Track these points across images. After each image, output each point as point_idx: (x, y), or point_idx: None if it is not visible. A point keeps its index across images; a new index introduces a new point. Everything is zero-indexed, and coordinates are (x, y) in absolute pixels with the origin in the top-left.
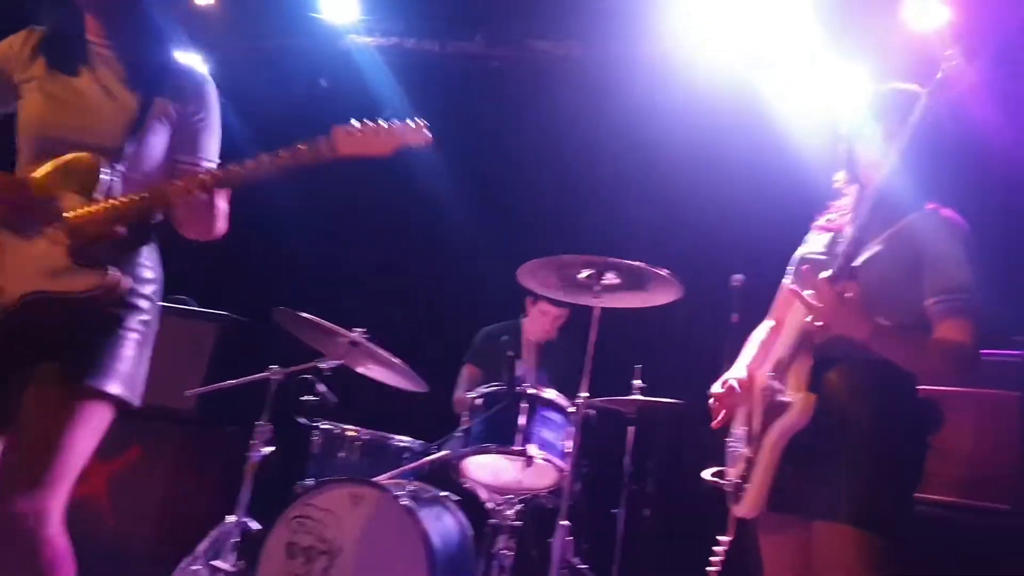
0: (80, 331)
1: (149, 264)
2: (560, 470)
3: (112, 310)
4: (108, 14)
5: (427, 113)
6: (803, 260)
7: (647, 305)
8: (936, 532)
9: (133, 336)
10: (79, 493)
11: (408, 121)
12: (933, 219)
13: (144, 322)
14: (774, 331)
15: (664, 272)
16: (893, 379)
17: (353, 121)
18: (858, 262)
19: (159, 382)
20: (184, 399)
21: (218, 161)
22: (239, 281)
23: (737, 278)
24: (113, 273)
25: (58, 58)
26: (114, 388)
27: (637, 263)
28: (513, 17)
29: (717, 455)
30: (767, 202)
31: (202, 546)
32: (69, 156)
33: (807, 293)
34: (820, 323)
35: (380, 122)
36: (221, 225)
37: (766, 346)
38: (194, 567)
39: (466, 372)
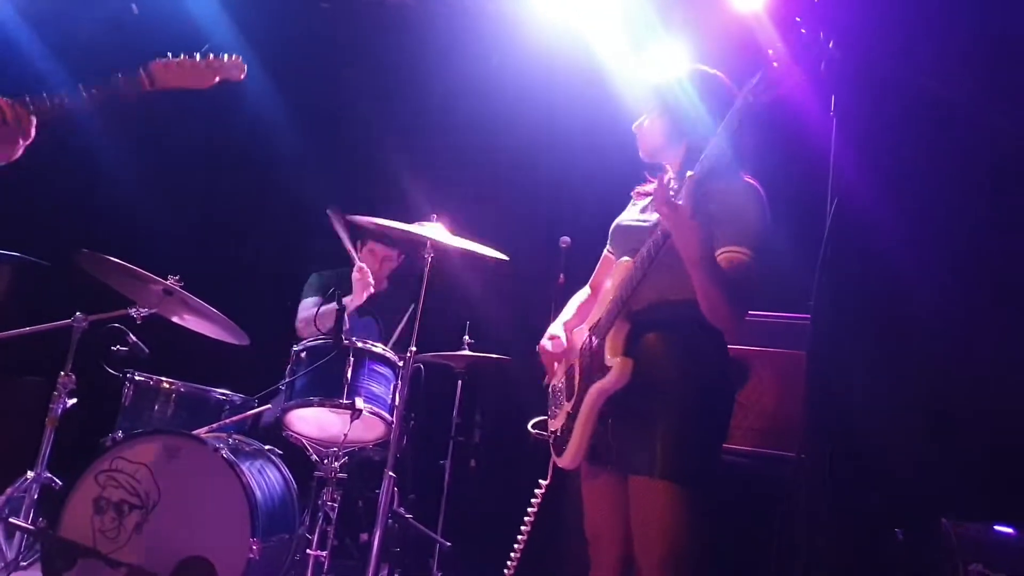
0: None
1: None
2: (387, 423)
3: None
4: None
5: (253, 48)
6: (618, 227)
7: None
8: (737, 478)
9: None
10: None
11: (226, 55)
12: (734, 184)
13: None
14: (591, 297)
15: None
16: (704, 343)
17: (170, 54)
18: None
19: None
20: None
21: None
22: (38, 220)
23: (564, 240)
24: None
25: None
26: None
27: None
28: None
29: (540, 409)
30: (598, 166)
31: None
32: None
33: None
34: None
35: (198, 55)
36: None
37: (582, 309)
38: None
39: (307, 302)
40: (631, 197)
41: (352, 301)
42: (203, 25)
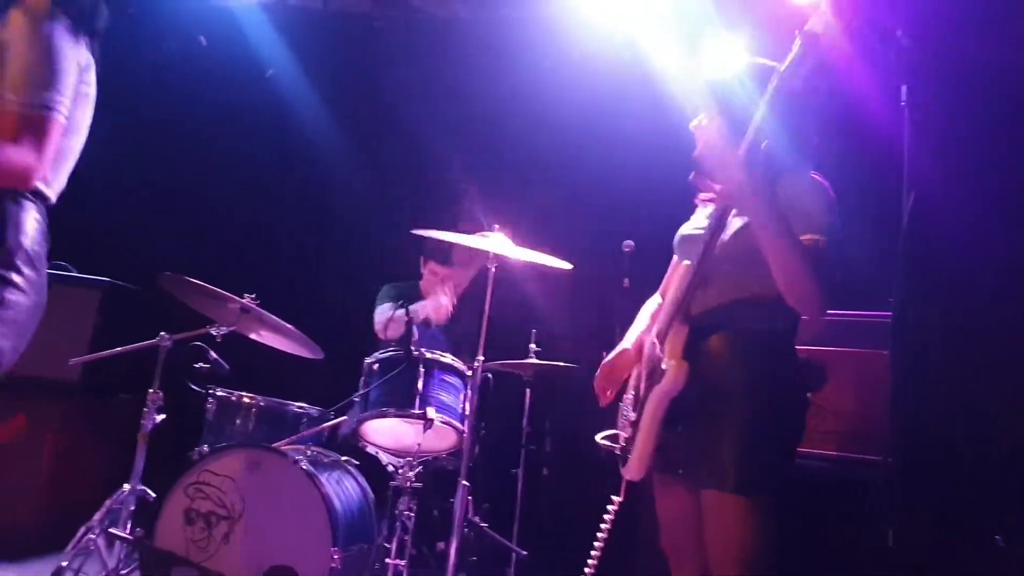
0: None
1: (25, 231)
2: (459, 432)
3: None
4: None
5: (312, 71)
6: (683, 237)
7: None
8: (816, 483)
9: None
10: None
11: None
12: (800, 179)
13: (15, 284)
14: (661, 305)
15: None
16: (771, 345)
17: None
18: (726, 234)
19: (42, 351)
20: (68, 368)
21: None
22: (123, 246)
23: (628, 244)
24: None
25: None
26: None
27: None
28: None
29: (612, 415)
30: (659, 167)
31: (98, 515)
32: None
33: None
34: (725, 185)
35: None
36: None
37: (654, 317)
38: (91, 536)
39: (381, 307)
40: (695, 204)
41: (424, 311)
42: (260, 52)
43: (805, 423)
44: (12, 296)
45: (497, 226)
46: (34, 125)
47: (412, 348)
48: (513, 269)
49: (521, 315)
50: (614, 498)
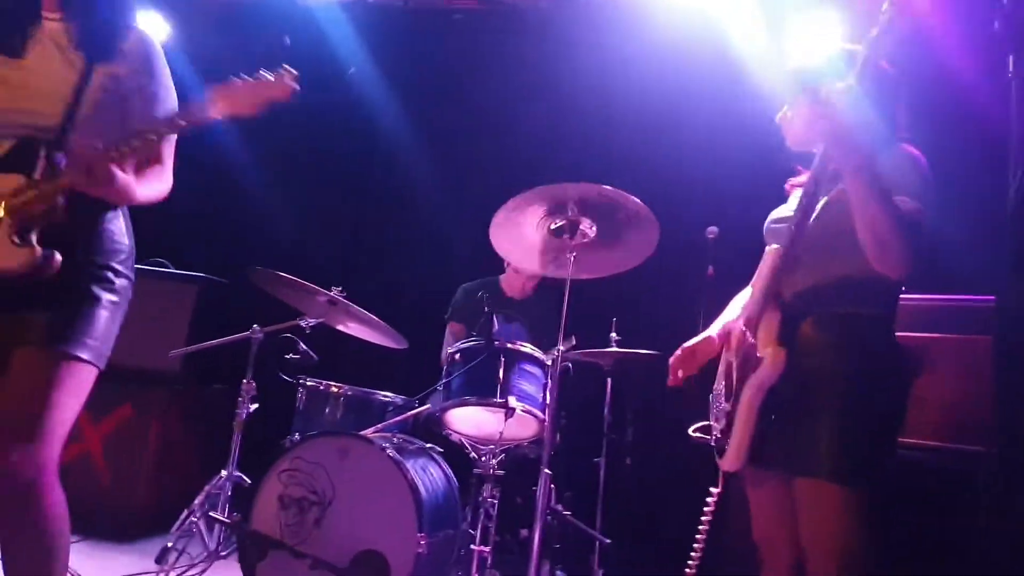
0: (56, 300)
1: (117, 236)
2: (540, 421)
3: (83, 282)
4: None
5: (392, 69)
6: (774, 223)
7: (621, 269)
8: (917, 475)
9: (104, 305)
10: (75, 453)
11: (273, 73)
12: (894, 152)
13: (115, 290)
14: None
15: (637, 203)
16: (869, 330)
17: (233, 77)
18: (817, 216)
19: (145, 344)
20: (169, 360)
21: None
22: (215, 242)
23: (712, 230)
24: (40, 252)
25: (6, 41)
26: (84, 353)
27: (606, 188)
28: None
29: (693, 405)
30: (741, 152)
31: (198, 500)
32: (16, 137)
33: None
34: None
35: (247, 77)
36: (132, 193)
37: (745, 307)
38: (193, 519)
39: (449, 330)
40: (786, 190)
41: None
42: (342, 51)
43: (906, 410)
44: (110, 296)
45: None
46: (168, 149)
47: (493, 338)
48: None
49: (602, 304)
50: (712, 490)
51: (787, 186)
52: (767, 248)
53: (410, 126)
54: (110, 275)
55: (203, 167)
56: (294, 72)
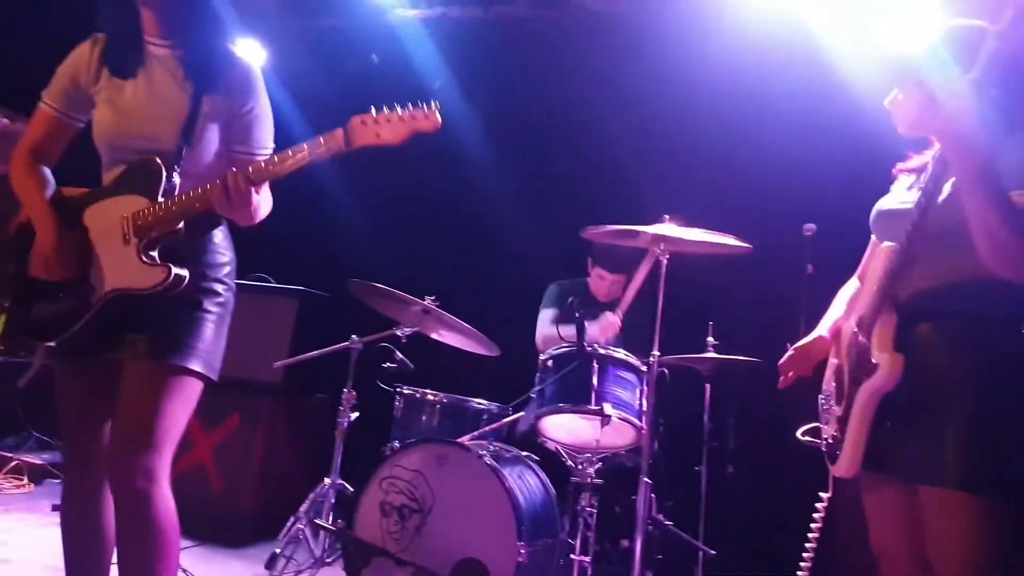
0: (164, 313)
1: (221, 249)
2: (637, 428)
3: (191, 294)
4: (165, 10)
5: (475, 80)
6: (880, 213)
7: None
8: None
9: (211, 316)
10: (188, 462)
11: (421, 107)
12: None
13: (220, 303)
14: (860, 290)
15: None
16: (999, 332)
17: (373, 109)
18: (937, 208)
19: (250, 356)
20: (273, 371)
21: (272, 147)
22: (312, 257)
23: (809, 227)
24: (174, 270)
25: (117, 65)
26: (194, 365)
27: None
28: None
29: (800, 410)
30: (833, 146)
31: (303, 507)
32: (133, 162)
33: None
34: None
35: (395, 109)
36: (259, 214)
37: (852, 303)
38: (299, 526)
39: (546, 313)
40: (893, 175)
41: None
42: (427, 65)
43: None
44: (216, 308)
45: (667, 216)
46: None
47: (585, 344)
48: (687, 260)
49: (697, 307)
50: (823, 495)
51: (895, 171)
52: (872, 239)
53: (494, 135)
54: (216, 287)
55: (298, 185)
56: (439, 105)
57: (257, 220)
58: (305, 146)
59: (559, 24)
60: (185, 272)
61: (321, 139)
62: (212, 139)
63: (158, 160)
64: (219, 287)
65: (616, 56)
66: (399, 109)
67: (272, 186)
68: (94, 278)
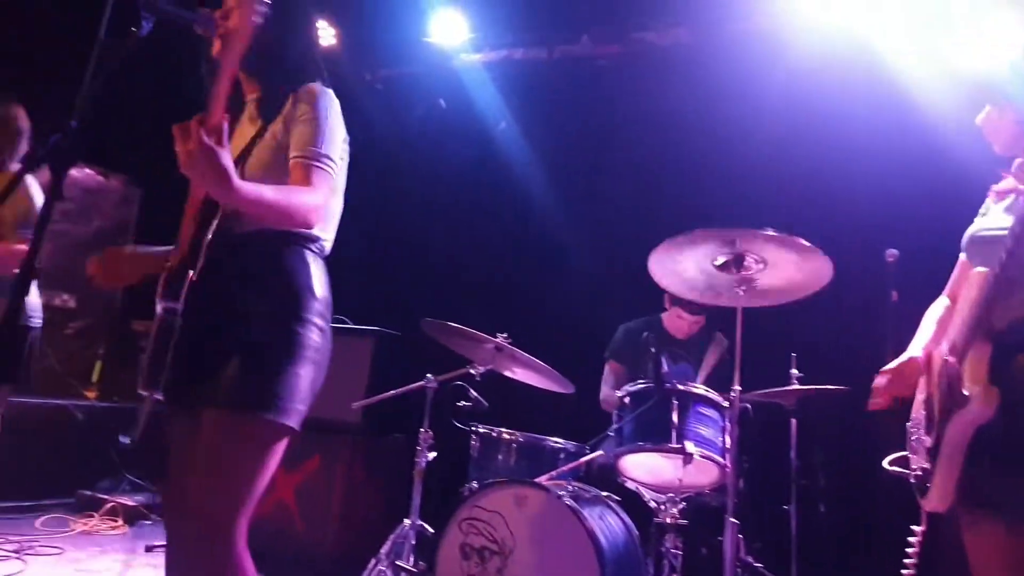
0: (244, 355)
1: (309, 285)
2: (721, 466)
3: (273, 334)
4: (251, 73)
5: (539, 120)
6: (973, 238)
7: (794, 298)
8: None
9: (296, 360)
10: (271, 502)
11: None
12: None
13: (306, 344)
14: (951, 309)
15: (804, 243)
16: None
17: None
18: None
19: (328, 396)
20: (351, 411)
21: (325, 151)
22: (386, 297)
23: (891, 253)
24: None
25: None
26: (271, 414)
27: (773, 232)
28: (617, 12)
29: (891, 444)
30: (912, 170)
31: (384, 549)
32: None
33: None
34: None
35: None
36: (244, 192)
37: (943, 324)
38: (380, 567)
39: (609, 369)
40: (987, 195)
41: None
42: (492, 108)
43: None
44: (317, 339)
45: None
46: (314, 173)
47: (663, 380)
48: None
49: (779, 339)
50: (915, 528)
51: (990, 192)
52: (961, 257)
53: (560, 172)
54: (301, 329)
55: (371, 225)
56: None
57: (243, 196)
58: None
59: (622, 60)
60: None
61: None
62: (265, 156)
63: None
64: (303, 329)
65: (680, 87)
66: None
67: (345, 226)
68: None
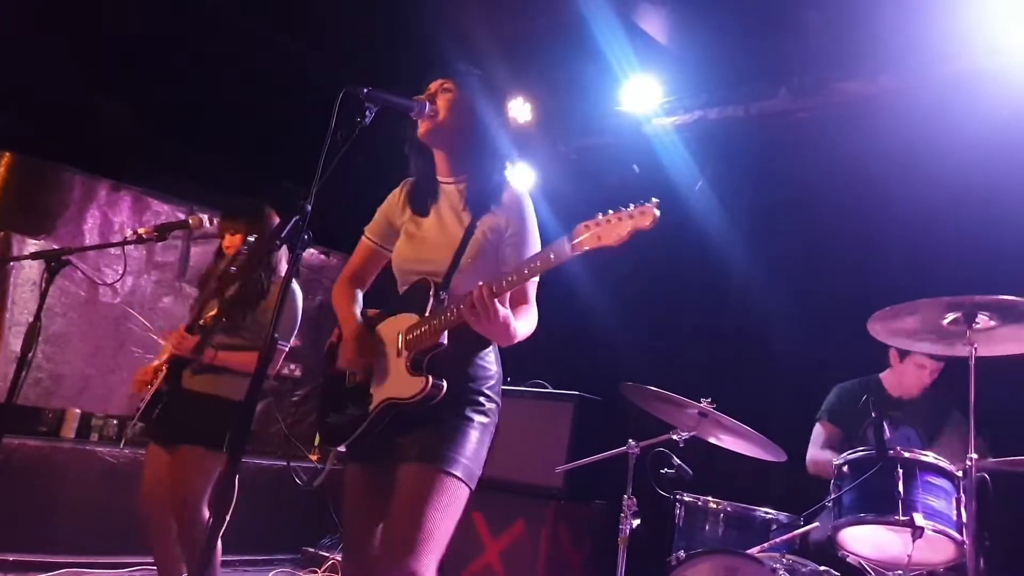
0: (432, 422)
1: (487, 363)
2: (958, 542)
3: (457, 405)
4: (453, 151)
5: (736, 178)
6: None
7: None
8: None
9: (474, 426)
10: (478, 565)
11: (639, 205)
12: None
13: (483, 412)
14: None
15: None
16: None
17: (599, 215)
18: None
19: (531, 461)
20: (554, 476)
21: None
22: (587, 361)
23: None
24: (431, 380)
25: (415, 203)
26: (458, 471)
27: (1011, 298)
28: (815, 63)
29: None
30: None
31: None
32: (412, 283)
33: None
34: None
35: (611, 212)
36: (514, 331)
37: None
38: None
39: (820, 429)
40: None
41: None
42: (686, 172)
43: None
44: (479, 418)
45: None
46: (531, 290)
47: (887, 446)
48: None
49: (1020, 399)
50: None
51: None
52: None
53: (758, 230)
54: (481, 400)
55: (570, 292)
56: (656, 200)
57: (515, 338)
58: (538, 258)
59: (821, 111)
60: (443, 382)
61: (551, 250)
62: (482, 261)
63: (429, 280)
64: (483, 400)
65: (886, 136)
66: (621, 209)
67: (546, 295)
68: (374, 388)
